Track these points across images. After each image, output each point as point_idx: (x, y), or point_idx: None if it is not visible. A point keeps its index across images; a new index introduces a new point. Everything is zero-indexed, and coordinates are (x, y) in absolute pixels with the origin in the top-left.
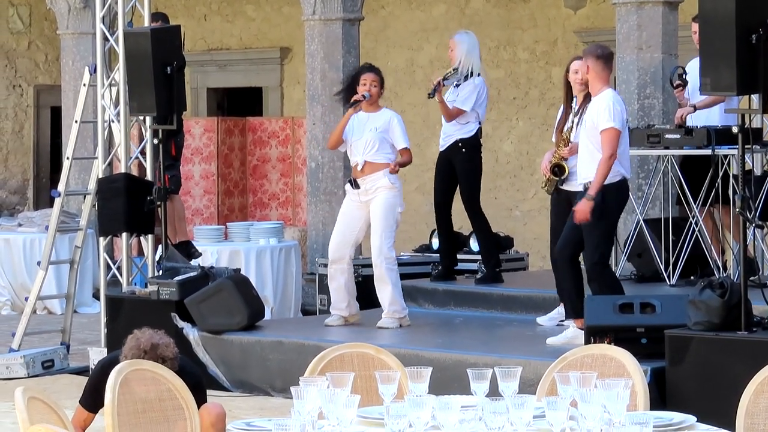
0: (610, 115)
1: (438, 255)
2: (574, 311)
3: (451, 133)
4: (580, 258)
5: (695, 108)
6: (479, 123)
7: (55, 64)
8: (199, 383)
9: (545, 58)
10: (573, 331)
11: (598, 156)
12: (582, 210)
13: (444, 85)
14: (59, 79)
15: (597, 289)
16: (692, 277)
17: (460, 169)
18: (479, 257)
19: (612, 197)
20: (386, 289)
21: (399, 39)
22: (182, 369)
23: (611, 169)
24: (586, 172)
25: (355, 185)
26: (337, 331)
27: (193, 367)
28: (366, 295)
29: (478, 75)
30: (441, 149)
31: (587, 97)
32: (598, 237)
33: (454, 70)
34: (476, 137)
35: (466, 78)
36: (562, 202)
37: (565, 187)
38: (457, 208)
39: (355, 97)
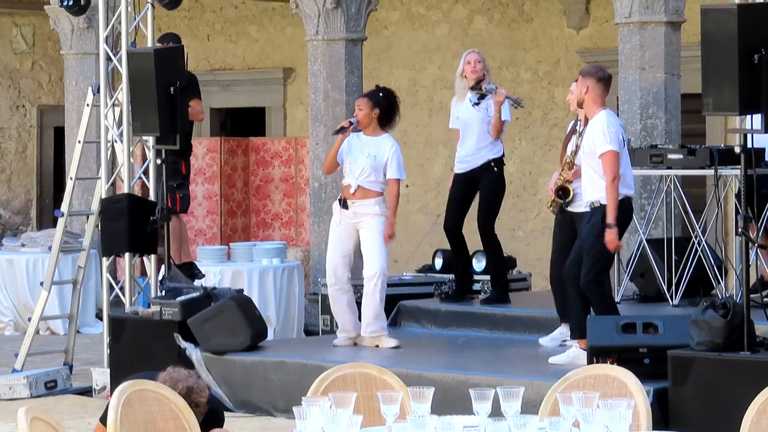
0: (605, 139)
1: (441, 275)
2: (580, 331)
3: (479, 153)
4: None
5: None
6: (502, 141)
7: (59, 85)
8: (221, 419)
9: (548, 78)
10: (576, 351)
11: (597, 180)
12: (611, 240)
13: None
14: (62, 100)
15: (593, 307)
16: (698, 297)
17: (488, 188)
18: (483, 277)
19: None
20: (373, 306)
21: (402, 59)
22: (212, 411)
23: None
24: (587, 194)
25: (344, 205)
26: (340, 351)
27: (219, 405)
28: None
29: (498, 88)
30: (461, 171)
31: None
32: (596, 256)
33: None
34: (503, 155)
35: (483, 90)
36: (566, 223)
37: (570, 209)
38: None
39: (341, 124)
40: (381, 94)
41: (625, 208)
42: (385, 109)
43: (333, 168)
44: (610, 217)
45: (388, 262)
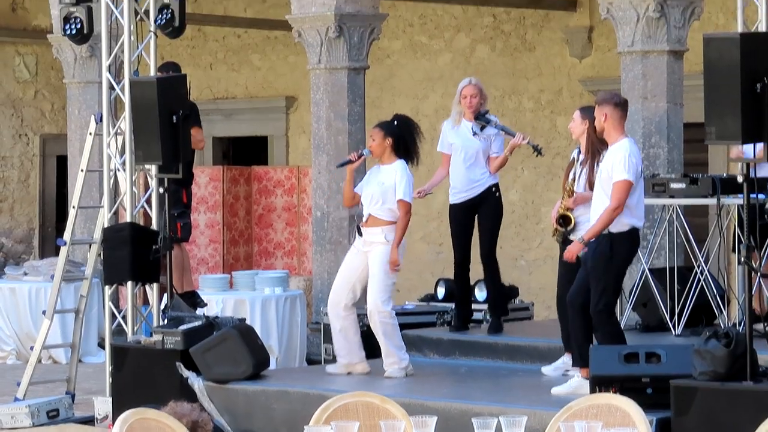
0: (624, 167)
1: (443, 304)
2: (582, 359)
3: (480, 181)
4: None
5: None
6: None
7: (61, 113)
8: None
9: (550, 107)
10: (578, 380)
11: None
12: (571, 251)
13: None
14: (65, 128)
15: (600, 337)
16: (701, 326)
17: (489, 214)
18: (485, 306)
19: (621, 247)
20: (381, 342)
21: (404, 88)
22: None
23: (619, 219)
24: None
25: (360, 232)
26: (342, 381)
27: None
28: (371, 345)
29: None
30: (461, 201)
31: (594, 148)
32: (605, 285)
33: (497, 124)
34: (499, 182)
35: (488, 122)
36: None
37: (573, 237)
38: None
39: (348, 156)
40: (395, 122)
41: (632, 239)
42: (398, 137)
43: (352, 200)
44: (589, 234)
45: (390, 294)
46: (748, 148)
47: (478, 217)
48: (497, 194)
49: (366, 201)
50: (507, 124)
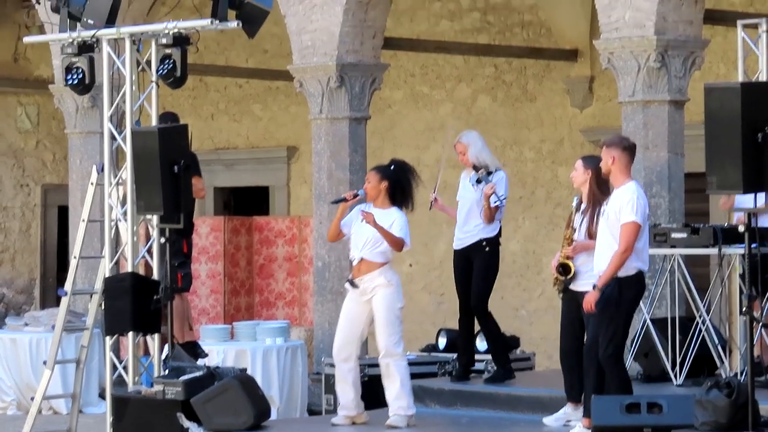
0: (633, 209)
1: (445, 354)
2: (585, 409)
3: (473, 232)
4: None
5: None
6: (500, 221)
7: (63, 164)
8: None
9: (551, 157)
10: (580, 430)
11: (615, 247)
12: (588, 301)
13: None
14: (66, 179)
15: (608, 382)
16: (702, 376)
17: (479, 267)
18: (487, 356)
19: (629, 291)
20: (394, 385)
21: (406, 138)
22: None
23: (626, 263)
24: (604, 264)
25: (354, 285)
26: (342, 431)
27: None
28: (373, 394)
29: (498, 170)
30: (457, 248)
31: (595, 198)
32: (614, 330)
33: (487, 172)
34: (499, 234)
35: (489, 174)
36: (572, 302)
37: (574, 287)
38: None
39: (344, 195)
40: (392, 167)
41: (639, 282)
42: (394, 181)
43: (336, 236)
44: (602, 281)
45: (400, 336)
46: (740, 198)
47: (473, 269)
48: (487, 248)
49: (359, 244)
50: (508, 174)
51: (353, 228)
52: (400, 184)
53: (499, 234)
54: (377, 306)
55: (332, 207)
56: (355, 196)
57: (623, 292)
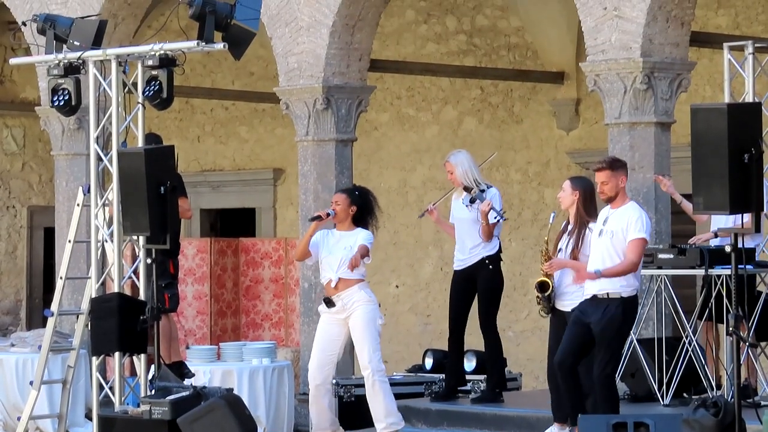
0: (642, 226)
1: (431, 375)
2: (574, 420)
3: (474, 252)
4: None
5: (716, 235)
6: (498, 236)
7: (49, 185)
8: None
9: (538, 179)
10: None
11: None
12: (583, 277)
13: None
14: (53, 200)
15: (598, 401)
16: (685, 395)
17: (484, 286)
18: (474, 377)
19: (632, 312)
20: (380, 402)
21: (392, 160)
22: None
23: (629, 282)
24: (609, 283)
25: (330, 304)
26: None
27: None
28: (360, 415)
29: (490, 187)
30: (460, 268)
31: (582, 220)
32: (615, 349)
33: (480, 190)
34: (499, 251)
35: (482, 191)
36: (560, 321)
37: (559, 306)
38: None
39: (317, 212)
40: (357, 192)
41: (637, 303)
42: (360, 207)
43: (305, 255)
44: (607, 272)
45: (380, 352)
46: (716, 218)
47: (477, 289)
48: (491, 266)
49: (332, 267)
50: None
51: (323, 251)
52: (366, 212)
53: (499, 250)
54: (358, 322)
55: (319, 228)
56: (327, 215)
57: (627, 312)
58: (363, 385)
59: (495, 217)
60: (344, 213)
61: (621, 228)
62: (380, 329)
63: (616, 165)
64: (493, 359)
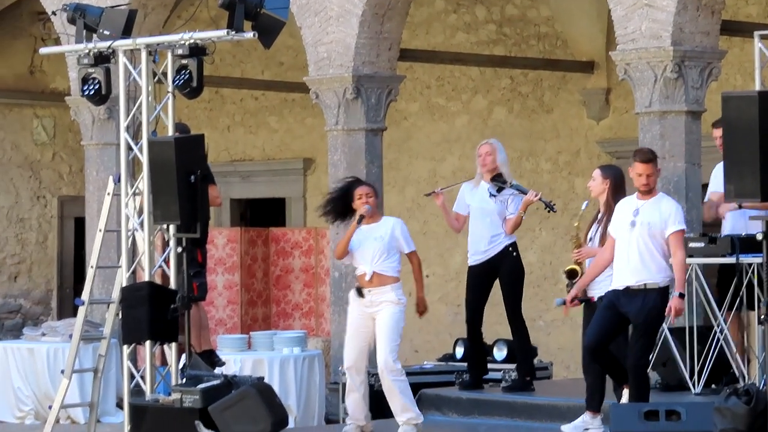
0: (682, 218)
1: (462, 364)
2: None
3: (496, 241)
4: None
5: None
6: None
7: (79, 175)
8: None
9: (568, 168)
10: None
11: (658, 259)
12: (678, 309)
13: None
14: (83, 190)
15: (635, 387)
16: (713, 386)
17: (510, 273)
18: (504, 366)
19: (666, 299)
20: (396, 399)
21: (422, 150)
22: None
23: (666, 272)
24: (646, 273)
25: (360, 294)
26: None
27: None
28: (384, 405)
29: (513, 183)
30: (480, 262)
31: (611, 207)
32: (653, 338)
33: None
34: (516, 241)
35: (504, 183)
36: (592, 312)
37: (590, 294)
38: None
39: (360, 212)
40: (370, 185)
41: (669, 292)
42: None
43: (346, 253)
44: (683, 287)
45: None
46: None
47: (500, 279)
48: (514, 254)
49: (367, 259)
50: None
51: (355, 243)
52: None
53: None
54: (383, 321)
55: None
56: (367, 211)
57: (664, 302)
58: None
59: (545, 208)
60: (375, 204)
61: (660, 220)
62: (402, 332)
63: (650, 158)
64: (522, 348)
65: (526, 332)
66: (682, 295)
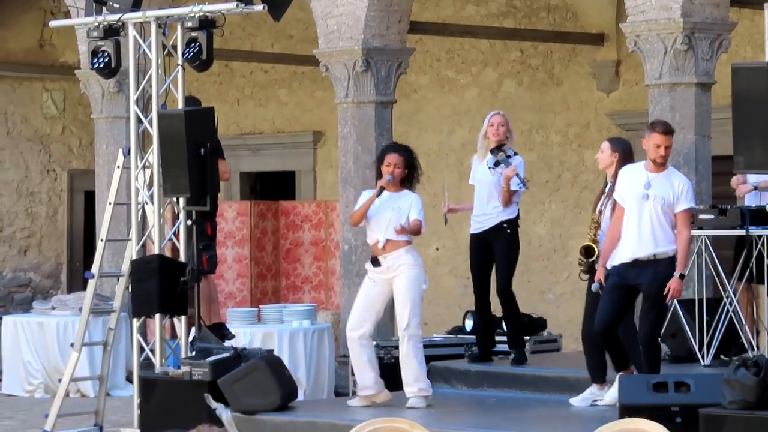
0: (693, 195)
1: (471, 336)
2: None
3: (492, 214)
4: None
5: (756, 188)
6: (517, 202)
7: (89, 149)
8: None
9: (578, 141)
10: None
11: (668, 231)
12: (676, 290)
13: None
14: (93, 164)
15: (647, 357)
16: (722, 357)
17: (502, 249)
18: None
19: (673, 270)
20: (412, 366)
21: (431, 122)
22: None
23: (672, 244)
24: (651, 246)
25: (377, 263)
26: (369, 412)
27: None
28: (400, 377)
29: (516, 154)
30: (475, 232)
31: (616, 178)
32: (664, 309)
33: (506, 156)
34: (518, 217)
35: (508, 157)
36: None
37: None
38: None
39: (380, 183)
40: (409, 152)
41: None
42: (411, 168)
43: (361, 221)
44: (684, 269)
45: (421, 319)
46: (751, 177)
47: (494, 253)
48: (508, 230)
49: (380, 227)
50: (534, 158)
51: (373, 210)
52: (415, 170)
53: (518, 216)
54: (402, 284)
55: (358, 190)
56: (388, 181)
57: (672, 271)
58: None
59: (517, 184)
60: (402, 175)
61: (671, 195)
62: (423, 294)
63: (669, 129)
64: (514, 324)
65: (517, 309)
66: (682, 276)
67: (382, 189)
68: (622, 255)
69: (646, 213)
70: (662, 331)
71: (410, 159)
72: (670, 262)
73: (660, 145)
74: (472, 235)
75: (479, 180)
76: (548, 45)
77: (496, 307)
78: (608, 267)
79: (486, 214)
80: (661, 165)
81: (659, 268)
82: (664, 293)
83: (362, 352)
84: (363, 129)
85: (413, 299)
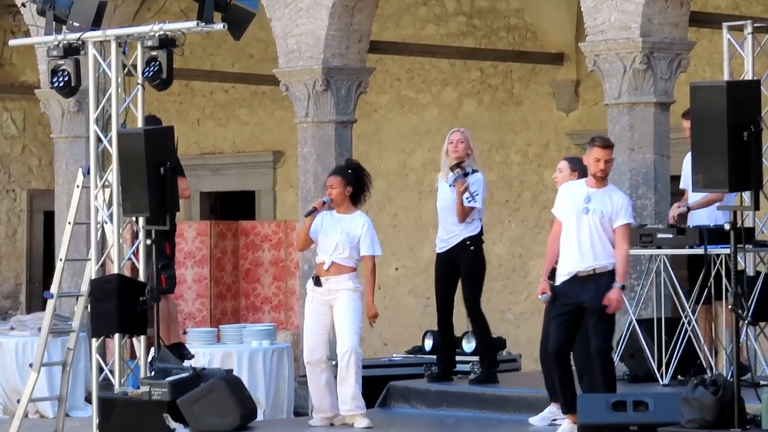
0: (631, 212)
1: (431, 356)
2: (567, 406)
3: (455, 233)
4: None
5: (689, 209)
6: (480, 219)
7: (49, 169)
8: None
9: (537, 160)
10: (569, 425)
11: (607, 245)
12: (617, 299)
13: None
14: (52, 184)
15: (601, 373)
16: (681, 377)
17: (467, 267)
18: (473, 358)
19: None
20: (350, 385)
21: (392, 142)
22: None
23: (610, 258)
24: (593, 259)
25: (318, 283)
26: None
27: None
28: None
29: (475, 171)
30: (441, 251)
31: None
32: (611, 321)
33: (464, 173)
34: (481, 233)
35: (466, 174)
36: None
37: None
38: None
39: (313, 204)
40: (350, 171)
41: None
42: (355, 185)
43: (307, 245)
44: (623, 279)
45: (360, 340)
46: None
47: (461, 271)
48: (472, 248)
49: (327, 249)
50: (494, 178)
51: (320, 232)
52: (360, 187)
53: (481, 233)
54: (342, 306)
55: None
56: (323, 204)
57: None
58: (375, 366)
59: (467, 199)
60: (341, 196)
61: (610, 209)
62: (362, 315)
63: (610, 143)
64: (483, 341)
65: (486, 326)
66: (623, 287)
67: (314, 209)
68: (561, 271)
69: (585, 226)
70: (620, 351)
71: (351, 178)
72: (610, 276)
73: (600, 159)
74: (438, 254)
75: (442, 198)
76: (508, 64)
77: (457, 327)
78: (550, 283)
79: (450, 232)
80: (601, 180)
81: (600, 281)
82: (605, 303)
83: (320, 377)
84: (323, 149)
85: (353, 319)
